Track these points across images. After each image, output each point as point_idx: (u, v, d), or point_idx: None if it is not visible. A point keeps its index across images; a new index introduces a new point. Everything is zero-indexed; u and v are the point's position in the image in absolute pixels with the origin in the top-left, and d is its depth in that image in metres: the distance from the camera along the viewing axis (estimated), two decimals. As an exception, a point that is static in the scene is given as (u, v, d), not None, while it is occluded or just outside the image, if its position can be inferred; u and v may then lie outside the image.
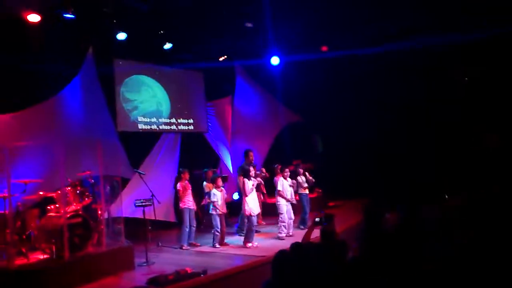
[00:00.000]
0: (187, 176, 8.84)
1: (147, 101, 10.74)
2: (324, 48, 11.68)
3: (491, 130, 11.24)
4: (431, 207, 5.83)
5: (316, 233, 5.12)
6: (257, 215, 9.02)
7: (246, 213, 8.50)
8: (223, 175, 10.18)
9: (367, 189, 11.54)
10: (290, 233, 9.06)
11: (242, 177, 8.85)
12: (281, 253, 3.93)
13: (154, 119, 10.75)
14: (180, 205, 8.79)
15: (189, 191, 8.79)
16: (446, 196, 6.31)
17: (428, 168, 11.34)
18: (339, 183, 12.35)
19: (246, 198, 8.52)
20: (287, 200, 9.12)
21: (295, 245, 4.32)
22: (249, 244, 8.45)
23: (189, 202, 8.76)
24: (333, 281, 3.90)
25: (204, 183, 9.37)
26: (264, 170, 10.24)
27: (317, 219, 5.18)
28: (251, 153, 9.87)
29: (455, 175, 9.76)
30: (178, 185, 8.78)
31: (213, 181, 8.84)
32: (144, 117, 10.55)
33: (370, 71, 12.35)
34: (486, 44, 10.62)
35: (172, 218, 10.47)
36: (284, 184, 9.21)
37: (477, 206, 5.44)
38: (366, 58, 11.38)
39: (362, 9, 9.36)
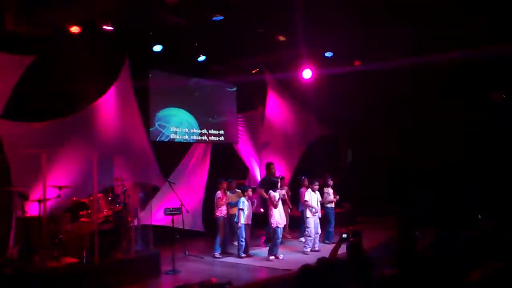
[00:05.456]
0: (224, 185, 9.07)
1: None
2: (357, 63, 11.60)
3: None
4: (465, 230, 5.66)
5: (343, 249, 5.05)
6: (284, 228, 9.00)
7: (273, 225, 8.49)
8: (252, 186, 10.21)
9: (397, 207, 11.32)
10: (316, 248, 8.99)
11: (263, 189, 8.93)
12: (306, 268, 3.89)
13: (186, 130, 10.92)
14: (216, 213, 8.99)
15: (225, 200, 9.01)
16: (479, 216, 6.12)
17: (461, 188, 11.02)
18: (368, 199, 12.17)
19: (273, 210, 8.52)
20: (315, 211, 9.03)
21: (321, 260, 4.27)
22: (272, 257, 8.41)
23: (224, 211, 9.00)
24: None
25: (228, 193, 9.45)
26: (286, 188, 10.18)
27: (344, 235, 5.12)
28: (272, 166, 9.89)
29: (487, 196, 9.46)
30: (219, 193, 8.96)
31: (243, 191, 8.96)
32: (177, 128, 10.74)
33: (402, 86, 12.15)
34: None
35: (200, 228, 10.56)
36: (312, 196, 9.15)
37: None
38: (398, 72, 11.21)
39: (394, 22, 9.26)
